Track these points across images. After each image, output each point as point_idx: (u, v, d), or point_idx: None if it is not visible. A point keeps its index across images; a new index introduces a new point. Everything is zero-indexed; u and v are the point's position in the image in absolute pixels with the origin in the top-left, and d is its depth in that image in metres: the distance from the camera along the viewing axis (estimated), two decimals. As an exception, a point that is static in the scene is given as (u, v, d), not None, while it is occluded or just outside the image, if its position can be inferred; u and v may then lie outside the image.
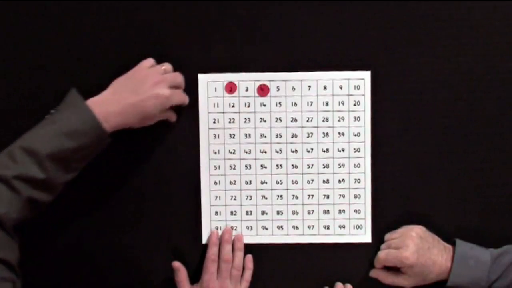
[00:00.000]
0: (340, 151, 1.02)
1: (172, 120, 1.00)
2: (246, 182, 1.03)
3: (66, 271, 1.05)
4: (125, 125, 0.92)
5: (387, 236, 1.02)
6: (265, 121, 1.02)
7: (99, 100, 0.90)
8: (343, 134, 1.02)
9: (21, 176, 0.83)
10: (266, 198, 1.03)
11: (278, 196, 1.03)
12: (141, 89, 0.92)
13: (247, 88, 1.01)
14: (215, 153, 1.02)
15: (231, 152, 1.02)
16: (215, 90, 1.01)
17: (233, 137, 1.02)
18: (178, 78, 0.98)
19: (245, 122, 1.02)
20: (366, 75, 1.01)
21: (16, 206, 0.83)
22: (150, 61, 0.97)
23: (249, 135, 1.02)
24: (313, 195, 1.03)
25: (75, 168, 0.90)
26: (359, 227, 1.03)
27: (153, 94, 0.92)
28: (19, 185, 0.83)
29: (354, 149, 1.02)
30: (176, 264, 1.01)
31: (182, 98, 0.98)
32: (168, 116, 0.99)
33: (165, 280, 1.03)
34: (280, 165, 1.02)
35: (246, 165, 1.02)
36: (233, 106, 1.02)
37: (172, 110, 0.99)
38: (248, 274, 1.02)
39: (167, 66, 0.98)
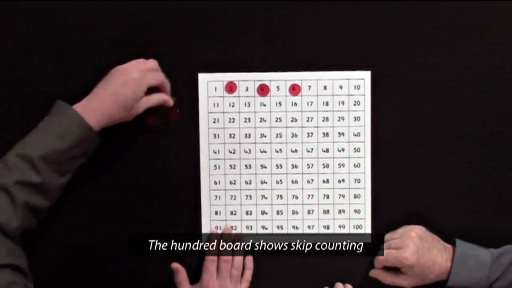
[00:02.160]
0: (340, 151, 1.02)
1: (169, 104, 0.99)
2: (246, 182, 1.03)
3: (65, 271, 1.04)
4: (111, 118, 0.93)
5: (387, 236, 1.02)
6: (265, 121, 1.02)
7: (81, 103, 0.93)
8: (343, 134, 1.02)
9: (18, 181, 0.85)
10: (266, 198, 1.03)
11: (278, 196, 1.03)
12: (112, 80, 0.94)
13: (247, 88, 1.01)
14: (215, 153, 1.02)
15: (231, 152, 1.02)
16: (215, 90, 1.01)
17: (233, 137, 1.02)
18: (150, 62, 0.97)
19: (245, 122, 1.02)
20: (366, 75, 1.01)
21: (16, 214, 0.85)
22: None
23: (249, 135, 1.02)
24: (313, 195, 1.03)
25: (68, 170, 0.92)
26: (359, 227, 1.03)
27: (122, 80, 0.93)
28: (16, 191, 0.85)
29: (354, 149, 1.02)
30: (175, 265, 1.01)
31: (157, 77, 0.96)
32: (154, 100, 0.97)
33: (165, 280, 1.03)
34: (280, 165, 1.02)
35: (246, 165, 1.02)
36: (233, 106, 1.02)
37: (163, 94, 0.98)
38: (248, 274, 1.02)
39: (138, 59, 0.97)
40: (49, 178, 0.88)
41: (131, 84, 0.93)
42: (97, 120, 0.92)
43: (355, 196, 1.03)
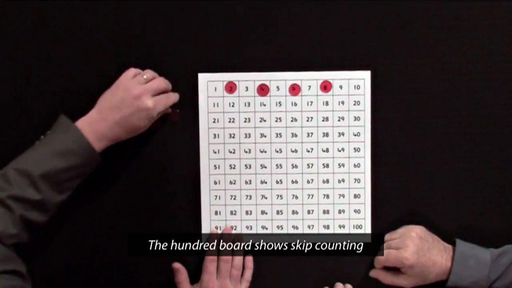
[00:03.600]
0: (340, 151, 1.02)
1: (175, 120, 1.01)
2: (246, 182, 1.03)
3: (65, 271, 1.04)
4: (114, 141, 0.94)
5: (387, 236, 1.02)
6: (265, 120, 1.02)
7: (86, 120, 0.92)
8: (343, 134, 1.02)
9: (16, 196, 0.85)
10: (266, 198, 1.03)
11: (278, 195, 1.03)
12: (124, 104, 0.92)
13: (247, 88, 1.02)
14: (215, 152, 1.02)
15: (231, 152, 1.02)
16: (215, 90, 1.01)
17: (233, 137, 1.02)
18: (162, 83, 0.97)
19: (245, 121, 1.02)
20: (366, 75, 1.01)
21: (12, 224, 0.85)
22: (132, 70, 0.96)
23: (249, 134, 1.02)
24: (313, 195, 1.03)
25: (67, 188, 0.91)
26: (359, 227, 1.03)
27: (136, 108, 0.92)
28: (13, 205, 0.85)
29: (354, 149, 1.02)
30: (177, 265, 1.01)
31: (167, 102, 0.97)
32: (158, 122, 0.99)
33: (165, 280, 1.03)
34: (280, 165, 1.02)
35: (246, 165, 1.02)
36: (233, 106, 1.02)
37: (170, 111, 1.00)
38: (248, 273, 1.02)
39: (148, 73, 0.97)
40: (48, 196, 0.88)
41: (143, 113, 0.92)
42: (102, 144, 0.92)
43: (355, 196, 1.03)
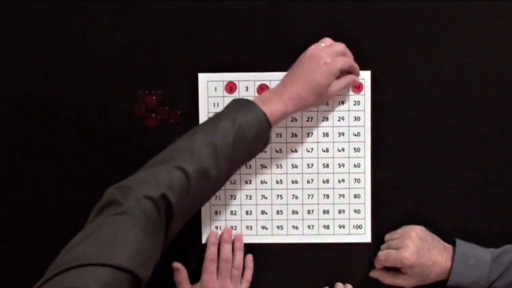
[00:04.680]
0: (340, 151, 1.02)
1: (356, 83, 1.00)
2: (246, 182, 1.03)
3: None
4: (303, 105, 0.93)
5: (387, 236, 1.02)
6: (265, 120, 1.02)
7: (277, 88, 0.94)
8: (343, 134, 1.02)
9: (200, 171, 0.83)
10: (266, 198, 1.03)
11: (278, 195, 1.03)
12: (305, 64, 0.94)
13: (247, 88, 1.02)
14: (215, 152, 1.02)
15: (231, 152, 1.02)
16: (215, 90, 1.01)
17: (233, 137, 1.02)
18: (340, 46, 0.97)
19: (245, 121, 1.02)
20: (366, 75, 1.01)
21: (185, 201, 0.83)
22: (313, 45, 0.97)
23: (249, 134, 1.02)
24: (313, 195, 1.03)
25: (236, 165, 0.90)
26: (359, 227, 1.03)
27: (315, 65, 0.93)
28: (195, 180, 0.83)
29: (354, 149, 1.02)
30: (177, 264, 1.01)
31: (347, 61, 0.96)
32: (343, 83, 0.97)
33: (165, 280, 1.02)
34: (280, 165, 1.02)
35: (246, 165, 1.02)
36: (233, 106, 1.02)
37: (350, 75, 0.99)
38: (249, 273, 1.02)
39: (326, 41, 0.97)
40: (222, 172, 0.87)
41: (323, 70, 0.93)
42: (289, 108, 0.92)
43: (355, 196, 1.03)
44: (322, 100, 0.96)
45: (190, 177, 0.83)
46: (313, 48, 0.95)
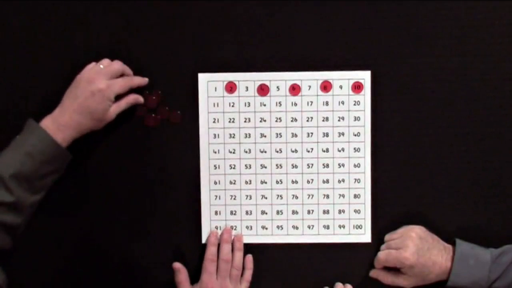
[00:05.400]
0: (340, 151, 1.02)
1: (139, 102, 0.99)
2: (246, 182, 1.03)
3: (64, 271, 1.04)
4: (81, 130, 0.94)
5: (387, 236, 1.02)
6: (265, 120, 1.02)
7: (50, 117, 0.93)
8: (343, 134, 1.02)
9: None
10: (266, 198, 1.03)
11: (278, 196, 1.03)
12: (79, 91, 0.93)
13: (247, 88, 1.02)
14: (215, 152, 1.02)
15: (231, 152, 1.02)
16: (215, 90, 1.01)
17: (233, 137, 1.02)
18: (115, 66, 0.96)
19: (245, 121, 1.02)
20: (366, 75, 1.01)
21: None
22: (91, 64, 0.97)
23: (249, 134, 1.02)
24: (313, 195, 1.03)
25: (41, 187, 0.92)
26: (359, 227, 1.03)
27: (90, 91, 0.93)
28: None
29: (354, 149, 1.02)
30: (177, 265, 1.01)
31: (125, 83, 0.96)
32: (123, 105, 0.97)
33: (165, 280, 1.03)
34: (280, 165, 1.02)
35: (246, 165, 1.02)
36: (233, 106, 1.02)
37: (130, 96, 0.98)
38: (248, 274, 1.02)
39: (105, 62, 0.97)
40: (21, 197, 0.89)
41: (98, 96, 0.93)
42: (67, 134, 0.92)
43: (355, 196, 1.03)
44: (102, 123, 0.96)
45: None
46: (88, 70, 0.95)
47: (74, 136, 0.94)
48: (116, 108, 0.96)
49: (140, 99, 0.99)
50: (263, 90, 1.01)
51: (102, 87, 0.93)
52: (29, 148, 0.89)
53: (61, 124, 0.92)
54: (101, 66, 0.96)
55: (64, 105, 0.94)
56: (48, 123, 0.92)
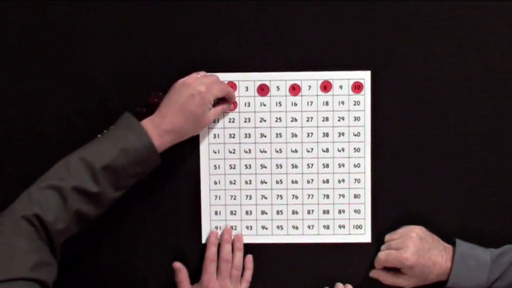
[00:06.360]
0: (340, 151, 1.02)
1: (229, 109, 1.01)
2: (246, 182, 1.03)
3: (64, 271, 1.04)
4: (181, 135, 0.95)
5: (387, 237, 1.02)
6: (265, 120, 1.02)
7: (150, 121, 0.93)
8: (343, 134, 1.02)
9: (76, 188, 0.85)
10: (266, 198, 1.03)
11: (278, 196, 1.03)
12: (179, 95, 0.94)
13: (247, 88, 1.02)
14: (215, 152, 1.02)
15: (231, 152, 1.02)
16: (215, 90, 1.01)
17: (233, 137, 1.02)
18: (212, 76, 0.98)
19: (245, 121, 1.02)
20: (366, 75, 1.01)
21: (64, 217, 0.85)
22: (198, 73, 0.98)
23: (249, 134, 1.02)
24: (313, 195, 1.03)
25: (124, 185, 0.92)
26: (359, 227, 1.03)
27: (189, 94, 0.93)
28: (71, 197, 0.85)
29: (354, 149, 1.02)
30: (178, 264, 1.01)
31: (222, 88, 0.97)
32: (220, 111, 0.99)
33: (165, 280, 1.03)
34: (280, 165, 1.02)
35: (246, 165, 1.02)
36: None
37: (226, 102, 1.00)
38: (248, 274, 1.02)
39: (201, 72, 0.99)
40: (105, 191, 0.88)
41: (198, 98, 0.93)
42: (167, 140, 0.93)
43: (355, 196, 1.03)
44: (200, 129, 0.97)
45: (66, 194, 0.85)
46: (186, 77, 0.96)
47: (173, 142, 0.94)
48: (214, 113, 0.97)
49: (230, 107, 1.01)
50: (263, 90, 1.01)
51: (201, 89, 0.94)
52: (126, 144, 0.89)
53: (162, 129, 0.92)
54: (198, 75, 0.97)
55: (162, 110, 0.93)
56: (148, 126, 0.92)
